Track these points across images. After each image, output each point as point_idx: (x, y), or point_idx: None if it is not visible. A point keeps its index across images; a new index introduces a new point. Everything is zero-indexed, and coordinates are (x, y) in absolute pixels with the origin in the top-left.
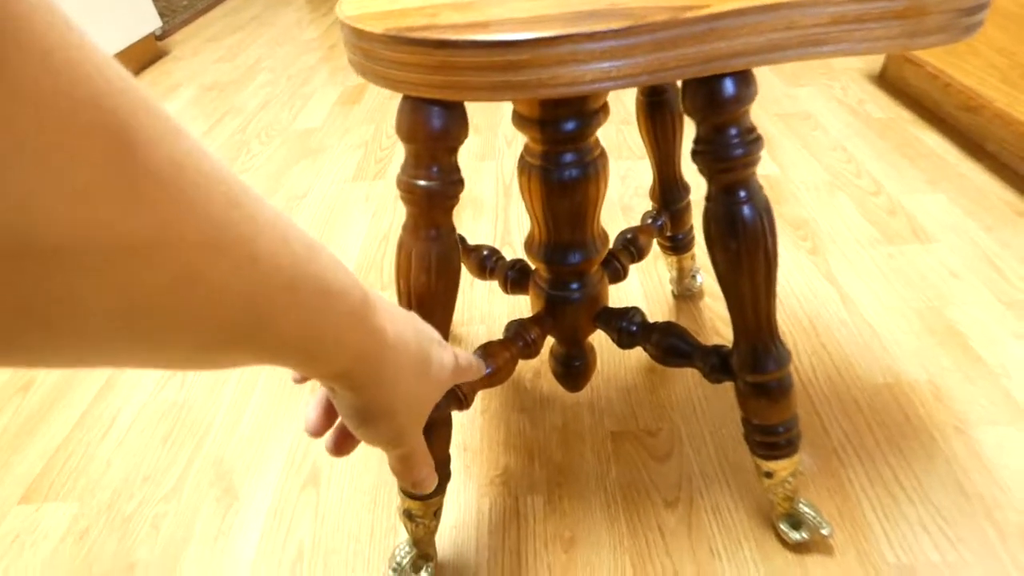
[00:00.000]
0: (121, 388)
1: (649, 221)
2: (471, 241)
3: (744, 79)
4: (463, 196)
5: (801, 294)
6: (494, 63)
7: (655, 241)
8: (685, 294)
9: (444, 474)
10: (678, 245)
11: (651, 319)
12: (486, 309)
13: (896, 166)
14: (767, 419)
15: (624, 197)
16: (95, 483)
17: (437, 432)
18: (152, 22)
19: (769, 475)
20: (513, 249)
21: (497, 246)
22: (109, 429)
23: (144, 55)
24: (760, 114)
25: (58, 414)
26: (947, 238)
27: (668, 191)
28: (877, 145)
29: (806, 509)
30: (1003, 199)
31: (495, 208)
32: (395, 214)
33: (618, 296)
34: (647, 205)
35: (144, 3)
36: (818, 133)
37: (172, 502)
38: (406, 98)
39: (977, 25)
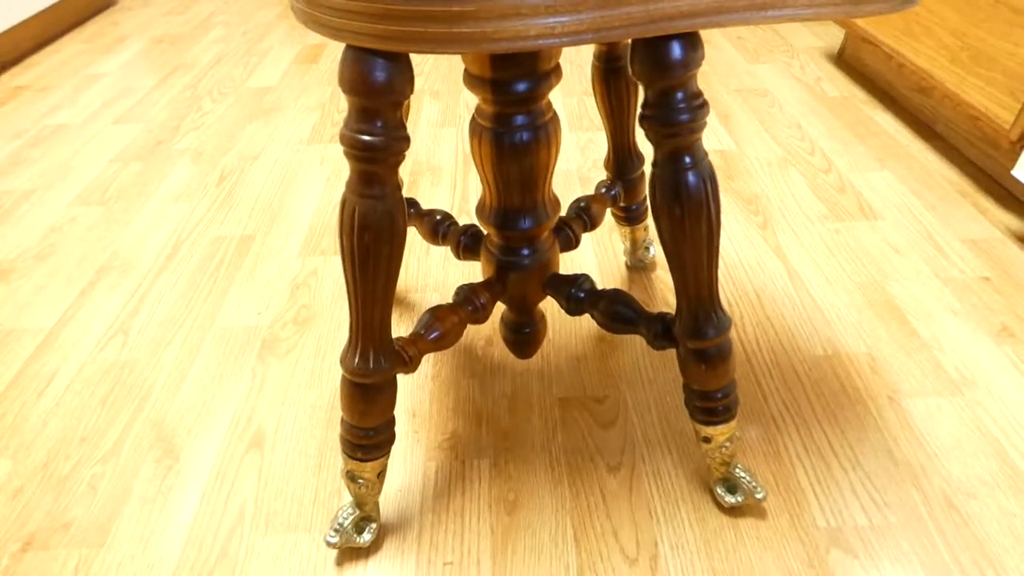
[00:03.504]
0: (60, 347)
1: (603, 191)
2: (428, 205)
3: (691, 42)
4: (421, 162)
5: (750, 267)
6: (437, 13)
7: (609, 212)
8: (638, 265)
9: (388, 436)
10: (631, 216)
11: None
12: (440, 276)
13: (847, 144)
14: (706, 384)
15: (583, 168)
16: (30, 442)
17: (382, 393)
18: None
19: (707, 440)
20: (470, 217)
21: (455, 214)
22: (46, 388)
23: (91, 4)
24: (720, 90)
25: None
26: (892, 215)
27: (622, 161)
28: (831, 123)
29: (742, 474)
30: (948, 179)
31: (453, 176)
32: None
33: (572, 267)
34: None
35: None
36: (775, 110)
37: (110, 463)
38: (349, 48)
39: None
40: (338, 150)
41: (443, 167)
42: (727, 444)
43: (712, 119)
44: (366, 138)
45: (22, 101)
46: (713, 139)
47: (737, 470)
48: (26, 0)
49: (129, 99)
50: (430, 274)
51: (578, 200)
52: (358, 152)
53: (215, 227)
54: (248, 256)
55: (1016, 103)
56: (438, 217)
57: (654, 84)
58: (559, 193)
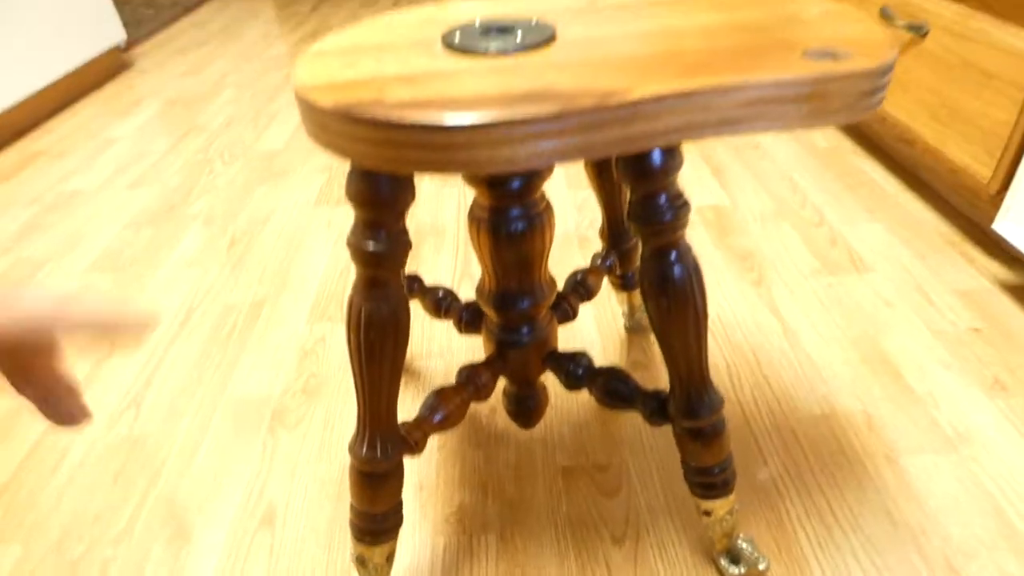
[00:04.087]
0: None
1: (599, 262)
2: (432, 268)
3: (670, 152)
4: (425, 224)
5: (745, 325)
6: (436, 143)
7: (606, 278)
8: (636, 327)
9: (396, 520)
10: (628, 282)
11: (604, 352)
12: (444, 343)
13: (838, 196)
14: (702, 461)
15: (580, 227)
16: (43, 521)
17: (390, 480)
18: (117, 34)
19: (707, 513)
20: (472, 280)
21: (458, 275)
22: (59, 464)
23: (109, 68)
24: (713, 144)
25: (5, 449)
26: (883, 267)
27: (616, 232)
28: (821, 175)
29: (744, 544)
30: (935, 228)
31: (456, 237)
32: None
33: (573, 330)
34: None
35: (109, 15)
36: (766, 162)
37: (122, 545)
38: (355, 166)
39: (877, 102)
40: (344, 212)
41: (446, 229)
42: (727, 517)
43: (706, 174)
44: (371, 246)
45: (39, 167)
46: (707, 194)
47: (739, 540)
48: (46, 68)
49: (143, 163)
50: (434, 340)
51: (575, 273)
52: (364, 259)
53: (226, 293)
54: (258, 322)
55: (992, 160)
56: (440, 294)
57: (638, 189)
58: (557, 253)
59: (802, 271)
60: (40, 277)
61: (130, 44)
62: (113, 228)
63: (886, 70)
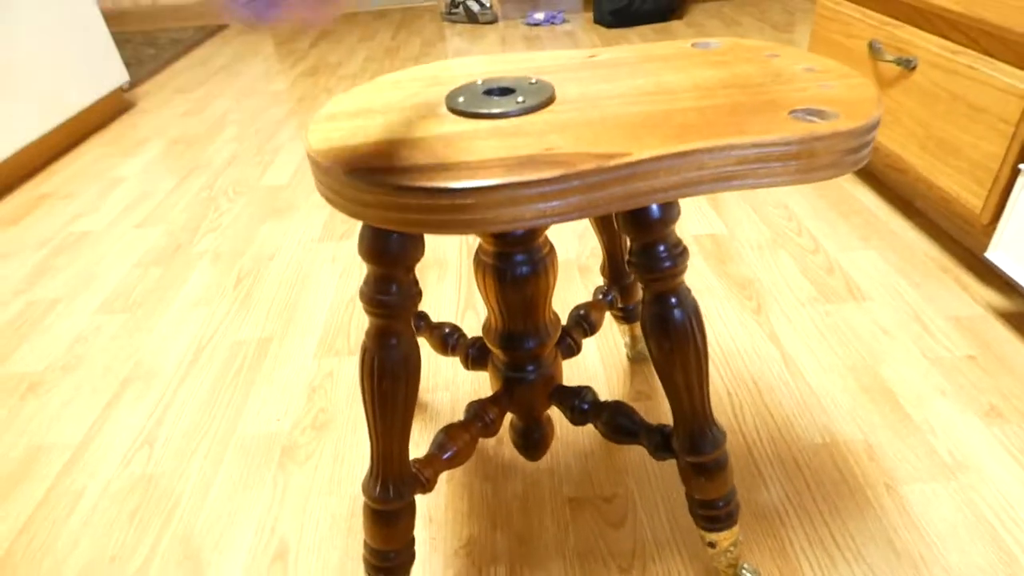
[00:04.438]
0: (88, 462)
1: (600, 296)
2: (436, 301)
3: (668, 204)
4: (428, 258)
5: (746, 354)
6: (443, 206)
7: (608, 312)
8: (639, 358)
9: (408, 557)
10: (629, 315)
11: (608, 383)
12: (450, 376)
13: (832, 223)
14: (707, 495)
15: (582, 257)
16: (61, 563)
17: (402, 518)
18: (119, 76)
19: (712, 545)
20: (476, 312)
21: (461, 307)
22: (76, 506)
23: (112, 109)
24: None
25: (21, 492)
26: (879, 295)
27: (616, 268)
28: (816, 202)
29: (748, 574)
30: (929, 255)
31: (458, 268)
32: (362, 275)
33: (577, 361)
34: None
35: (112, 57)
36: (761, 191)
37: None
38: (367, 224)
39: (863, 159)
40: (348, 247)
41: (448, 261)
42: (732, 548)
43: (704, 204)
44: (382, 298)
45: (47, 209)
46: (705, 223)
47: (744, 570)
48: (51, 111)
49: (149, 202)
50: (440, 374)
51: (578, 307)
52: (376, 310)
53: (234, 331)
54: (266, 359)
55: (983, 190)
56: (447, 331)
57: (637, 239)
58: (559, 284)
59: (800, 299)
60: (51, 320)
61: (132, 84)
62: (122, 268)
63: (871, 128)
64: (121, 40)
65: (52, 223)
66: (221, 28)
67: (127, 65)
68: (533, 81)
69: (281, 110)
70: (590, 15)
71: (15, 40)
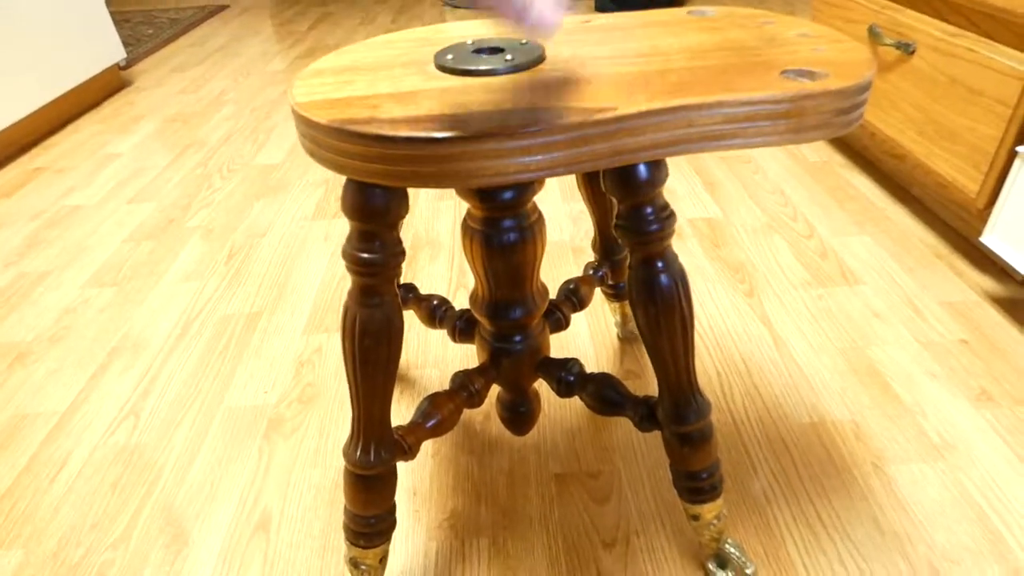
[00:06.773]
0: (72, 431)
1: (591, 272)
2: (427, 280)
3: (656, 164)
4: (420, 236)
5: (737, 336)
6: (427, 157)
7: (599, 289)
8: (628, 337)
9: (390, 523)
10: (619, 293)
11: (597, 361)
12: (439, 353)
13: (828, 209)
14: (691, 466)
15: (575, 238)
16: (42, 530)
17: (383, 483)
18: (116, 53)
19: (696, 518)
20: (467, 290)
21: (453, 286)
22: (58, 473)
23: (108, 86)
24: (707, 158)
25: (4, 459)
26: (872, 279)
27: (607, 244)
28: (812, 188)
29: (732, 549)
30: (924, 241)
31: (451, 248)
32: None
33: (567, 339)
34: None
35: (109, 33)
36: (759, 176)
37: (120, 549)
38: (350, 179)
39: (856, 120)
40: (340, 226)
41: (441, 241)
42: (715, 521)
43: (699, 187)
44: (366, 256)
45: (40, 182)
46: (700, 207)
47: (727, 545)
48: (47, 85)
49: (143, 178)
50: (430, 351)
51: (567, 282)
52: (359, 268)
53: (223, 305)
54: (255, 334)
55: (979, 174)
56: (435, 303)
57: (624, 201)
58: (552, 263)
59: (793, 283)
60: (40, 291)
61: (130, 62)
62: (113, 242)
63: (863, 88)
64: (119, 19)
65: (45, 196)
66: (220, 8)
67: (125, 44)
68: (523, 42)
69: (278, 90)
70: (591, 1)
71: (11, 12)
